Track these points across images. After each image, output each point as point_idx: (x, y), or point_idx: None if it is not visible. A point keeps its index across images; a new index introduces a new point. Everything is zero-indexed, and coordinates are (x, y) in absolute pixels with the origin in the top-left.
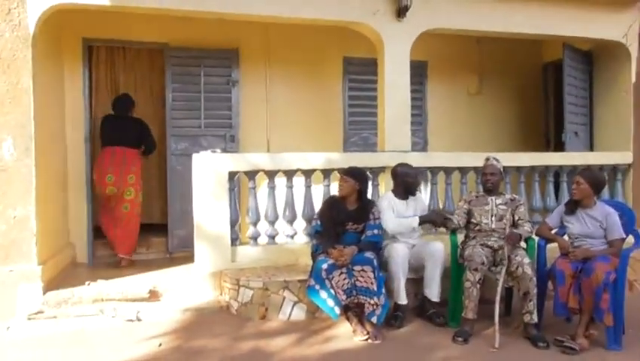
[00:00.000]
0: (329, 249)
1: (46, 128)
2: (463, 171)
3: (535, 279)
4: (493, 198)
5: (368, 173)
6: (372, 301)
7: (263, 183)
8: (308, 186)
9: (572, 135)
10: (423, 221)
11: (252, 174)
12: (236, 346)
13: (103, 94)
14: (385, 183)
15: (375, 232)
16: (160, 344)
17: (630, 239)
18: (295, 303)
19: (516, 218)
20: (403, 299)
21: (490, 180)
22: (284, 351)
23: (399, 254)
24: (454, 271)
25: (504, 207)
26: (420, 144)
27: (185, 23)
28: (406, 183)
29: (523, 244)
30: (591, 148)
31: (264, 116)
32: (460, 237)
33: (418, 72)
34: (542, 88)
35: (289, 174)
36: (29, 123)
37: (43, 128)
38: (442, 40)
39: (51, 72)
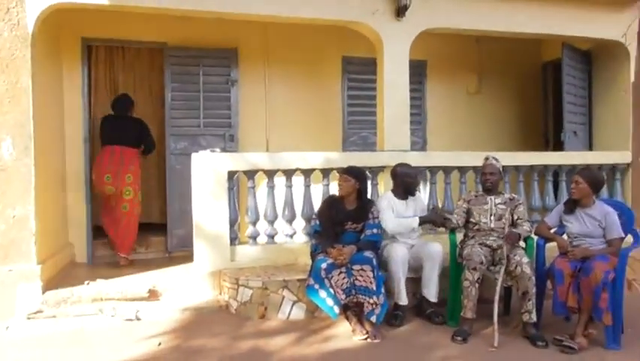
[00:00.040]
0: (328, 248)
1: (45, 127)
2: (462, 170)
3: (534, 278)
4: (492, 197)
5: (367, 172)
6: (371, 301)
7: (262, 182)
8: (307, 186)
9: (571, 135)
10: (422, 221)
11: (251, 174)
12: (235, 345)
13: (102, 93)
14: (384, 183)
15: (375, 231)
16: (159, 344)
17: (629, 238)
18: (294, 302)
19: (515, 217)
20: (403, 300)
21: (489, 180)
22: (283, 350)
23: (399, 255)
24: (453, 270)
25: (503, 206)
26: (419, 143)
27: (184, 23)
28: (405, 183)
29: (522, 244)
30: (590, 147)
31: (263, 116)
32: (459, 236)
33: (417, 71)
34: (541, 87)
35: (288, 173)
36: (28, 123)
37: (42, 128)
38: (441, 40)
39: (50, 72)
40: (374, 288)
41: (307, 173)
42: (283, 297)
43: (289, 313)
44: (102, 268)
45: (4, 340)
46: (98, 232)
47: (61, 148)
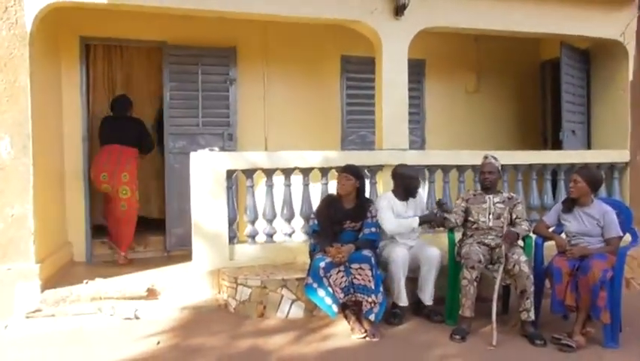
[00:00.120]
0: (326, 247)
1: (43, 126)
2: (461, 169)
3: (532, 277)
4: (491, 196)
5: (366, 171)
6: (369, 299)
7: (261, 181)
8: (306, 185)
9: (569, 133)
10: (422, 221)
11: (249, 173)
12: (234, 344)
13: (100, 92)
14: (383, 182)
15: (373, 230)
16: (158, 342)
17: (627, 237)
18: (293, 301)
19: (513, 216)
20: (403, 301)
21: (487, 179)
22: (282, 349)
23: (399, 256)
24: (452, 269)
25: (501, 205)
26: (418, 142)
27: (184, 22)
28: (406, 184)
29: (520, 242)
30: (588, 146)
31: (261, 115)
32: (458, 235)
33: (416, 70)
34: (540, 86)
35: (287, 172)
36: (27, 122)
37: (40, 127)
38: (439, 39)
39: (48, 70)
40: (372, 287)
41: (306, 172)
42: (282, 296)
43: (288, 312)
44: (101, 267)
45: (3, 339)
46: (96, 230)
47: (59, 147)
